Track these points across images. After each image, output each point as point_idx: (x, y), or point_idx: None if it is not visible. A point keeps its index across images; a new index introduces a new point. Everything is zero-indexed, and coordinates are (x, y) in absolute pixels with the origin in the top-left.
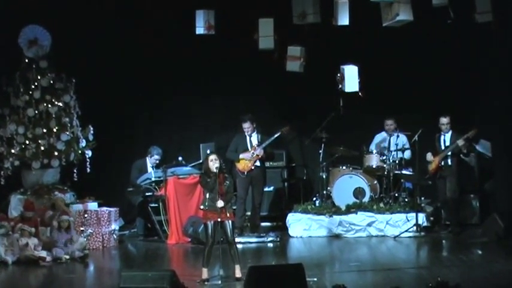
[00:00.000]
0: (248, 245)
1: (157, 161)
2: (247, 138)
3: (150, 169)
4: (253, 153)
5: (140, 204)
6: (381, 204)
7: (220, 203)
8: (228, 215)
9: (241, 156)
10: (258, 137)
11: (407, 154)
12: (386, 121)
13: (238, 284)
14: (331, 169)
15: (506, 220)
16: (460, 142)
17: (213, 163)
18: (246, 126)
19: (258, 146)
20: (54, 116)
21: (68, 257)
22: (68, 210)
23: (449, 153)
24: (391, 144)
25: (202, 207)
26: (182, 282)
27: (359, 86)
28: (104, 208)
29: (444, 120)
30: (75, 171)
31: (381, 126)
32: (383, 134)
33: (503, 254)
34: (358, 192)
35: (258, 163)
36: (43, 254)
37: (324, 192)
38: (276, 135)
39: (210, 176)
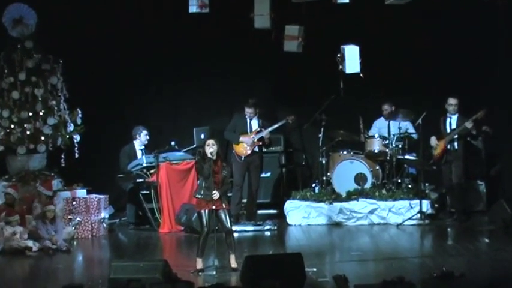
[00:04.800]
0: (244, 234)
1: (147, 139)
2: (248, 120)
3: (139, 152)
4: (253, 137)
5: (131, 191)
6: (383, 191)
7: (216, 195)
8: (223, 205)
9: (241, 139)
10: (258, 121)
11: (415, 136)
12: (382, 106)
13: (234, 274)
14: (331, 154)
15: None
16: (469, 124)
17: (209, 148)
18: (250, 111)
19: (259, 131)
20: (40, 98)
21: (54, 246)
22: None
23: (456, 136)
24: (390, 128)
25: (198, 196)
26: (175, 273)
27: (360, 66)
28: (93, 195)
29: (452, 101)
30: (62, 156)
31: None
32: (382, 120)
33: (511, 242)
34: (360, 178)
35: (256, 148)
36: (29, 243)
37: (324, 178)
38: (280, 124)
39: (205, 162)
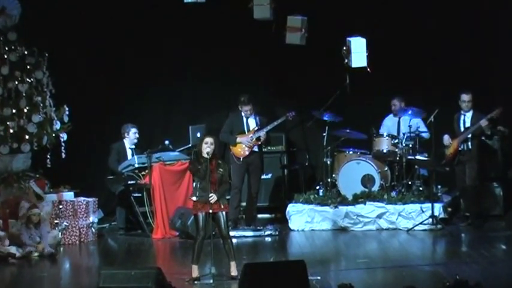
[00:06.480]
0: (243, 240)
1: (137, 137)
2: (244, 119)
3: (129, 152)
4: (251, 137)
5: (121, 194)
6: (393, 194)
7: (213, 198)
8: (222, 206)
9: (238, 139)
10: (256, 119)
11: (425, 135)
12: (391, 101)
13: (233, 282)
14: (337, 154)
15: None
16: (484, 122)
17: (207, 146)
18: (247, 108)
19: (258, 130)
20: (24, 94)
21: (37, 253)
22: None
23: (470, 135)
24: (400, 126)
25: (194, 198)
26: (169, 282)
27: (367, 60)
28: (81, 198)
29: (466, 97)
30: (48, 156)
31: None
32: (391, 117)
33: None
34: (367, 180)
35: (255, 148)
36: (12, 249)
37: (329, 180)
38: (280, 120)
39: (201, 162)
